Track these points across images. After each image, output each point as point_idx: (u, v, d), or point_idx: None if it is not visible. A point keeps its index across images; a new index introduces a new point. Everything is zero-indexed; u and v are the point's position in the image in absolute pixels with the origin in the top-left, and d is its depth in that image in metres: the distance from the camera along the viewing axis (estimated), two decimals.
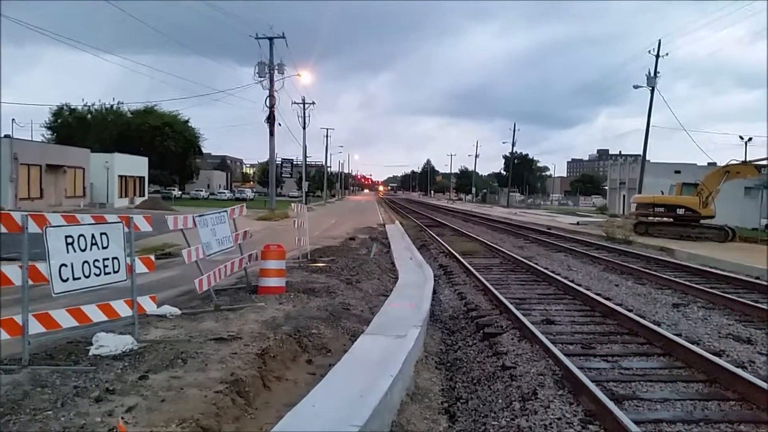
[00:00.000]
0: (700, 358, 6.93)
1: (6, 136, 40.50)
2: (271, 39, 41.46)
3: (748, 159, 27.90)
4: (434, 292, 11.80)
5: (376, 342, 6.97)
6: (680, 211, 27.37)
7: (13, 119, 72.04)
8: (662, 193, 29.91)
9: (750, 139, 45.28)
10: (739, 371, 6.33)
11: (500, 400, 6.04)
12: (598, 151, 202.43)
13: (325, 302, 9.76)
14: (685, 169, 46.34)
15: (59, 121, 68.32)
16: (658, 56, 42.05)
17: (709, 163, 46.44)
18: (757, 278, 14.40)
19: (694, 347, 7.33)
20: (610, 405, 5.19)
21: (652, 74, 42.25)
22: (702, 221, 27.06)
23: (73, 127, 66.24)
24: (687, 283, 13.01)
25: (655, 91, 42.34)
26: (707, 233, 26.27)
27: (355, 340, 7.28)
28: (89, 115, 70.36)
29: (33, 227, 5.82)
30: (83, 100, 73.29)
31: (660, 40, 42.24)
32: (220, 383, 5.42)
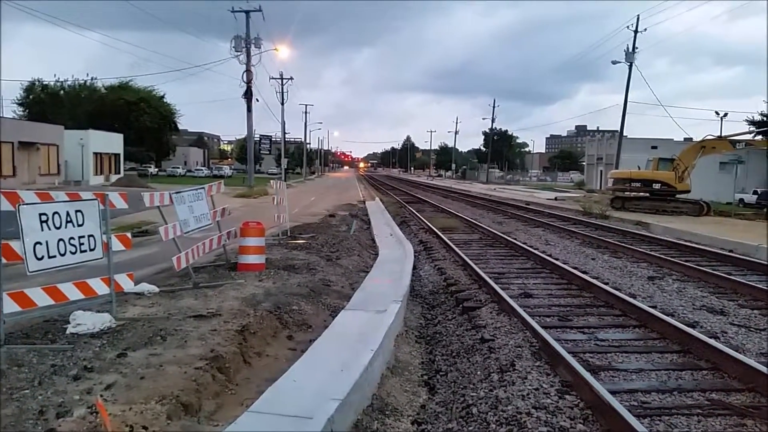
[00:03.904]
0: (674, 329, 7.07)
1: None
2: (247, 12, 40.73)
3: (723, 134, 28.26)
4: (414, 267, 11.86)
5: (356, 317, 7.00)
6: (656, 186, 27.73)
7: None
8: (639, 169, 30.24)
9: (725, 114, 45.88)
10: (712, 342, 6.48)
11: (479, 372, 6.11)
12: (577, 127, 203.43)
13: (305, 279, 9.76)
14: (661, 145, 46.95)
15: (31, 97, 66.64)
16: (636, 32, 42.22)
17: (685, 139, 47.04)
18: (731, 251, 14.68)
19: (668, 319, 7.48)
20: (587, 375, 5.28)
21: (630, 50, 42.43)
22: (678, 196, 27.47)
23: (46, 104, 64.61)
24: (662, 256, 13.22)
25: (634, 67, 42.62)
26: (683, 207, 26.68)
27: (336, 315, 7.31)
28: (62, 91, 68.72)
29: (6, 205, 5.71)
30: (55, 75, 71.49)
31: (638, 16, 42.40)
32: (200, 360, 5.41)
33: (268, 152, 78.99)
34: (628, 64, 42.52)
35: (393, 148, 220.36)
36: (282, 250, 12.98)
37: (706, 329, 7.54)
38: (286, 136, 70.13)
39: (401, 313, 7.88)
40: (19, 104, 66.87)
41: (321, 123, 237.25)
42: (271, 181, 17.59)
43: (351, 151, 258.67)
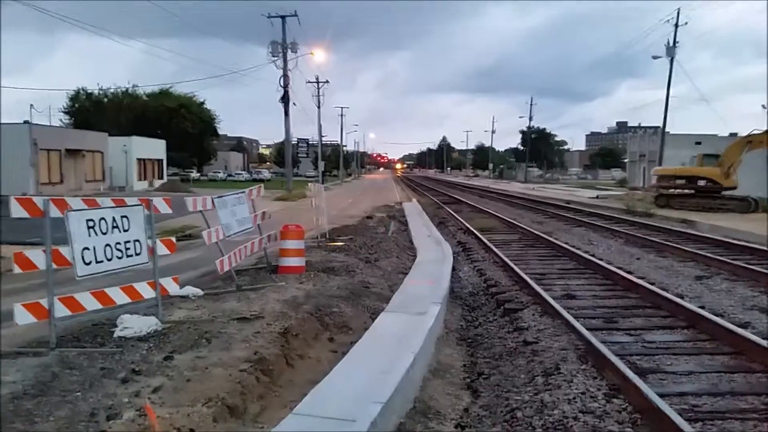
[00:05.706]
0: (724, 330, 6.85)
1: (26, 122, 40.92)
2: (283, 17, 41.31)
3: None
4: (453, 268, 11.77)
5: (396, 319, 6.98)
6: (701, 183, 26.99)
7: (31, 105, 72.78)
8: (683, 165, 29.48)
9: None
10: (765, 343, 6.25)
11: (523, 375, 6.03)
12: (617, 123, 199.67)
13: (344, 281, 9.79)
14: (706, 140, 45.48)
15: (76, 105, 68.72)
16: (677, 25, 41.20)
17: (730, 134, 45.60)
18: None
19: (718, 319, 7.26)
20: (635, 378, 5.16)
21: (671, 44, 41.42)
22: (724, 192, 26.67)
23: (90, 111, 66.55)
24: (710, 255, 12.84)
25: (676, 62, 41.57)
26: (729, 204, 25.87)
27: (376, 317, 7.30)
28: (105, 99, 70.67)
29: (54, 212, 5.88)
30: (98, 84, 73.48)
31: (678, 9, 41.34)
32: (244, 362, 5.47)
33: (305, 155, 79.88)
34: (669, 58, 41.53)
35: (429, 149, 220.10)
36: (321, 252, 13.05)
37: (758, 330, 7.27)
38: (323, 138, 70.62)
39: (441, 315, 7.83)
40: (65, 113, 69.11)
41: (357, 125, 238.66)
42: (309, 184, 17.73)
43: (387, 153, 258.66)
